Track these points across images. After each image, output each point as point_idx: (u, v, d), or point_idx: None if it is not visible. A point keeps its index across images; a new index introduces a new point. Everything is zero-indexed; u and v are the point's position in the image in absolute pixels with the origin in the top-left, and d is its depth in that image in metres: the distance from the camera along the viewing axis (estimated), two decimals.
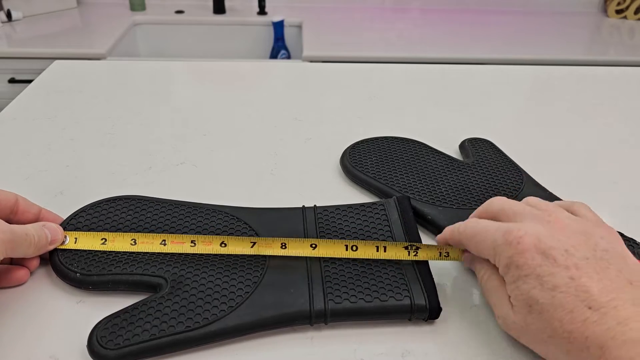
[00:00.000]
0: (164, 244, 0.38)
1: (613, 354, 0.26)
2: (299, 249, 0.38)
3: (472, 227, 0.35)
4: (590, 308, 0.28)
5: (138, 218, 0.42)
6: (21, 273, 0.37)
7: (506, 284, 0.32)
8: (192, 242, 0.38)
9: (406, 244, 0.38)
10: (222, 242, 0.38)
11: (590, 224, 0.33)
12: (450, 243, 0.38)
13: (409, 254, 0.38)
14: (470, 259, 0.37)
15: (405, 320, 0.36)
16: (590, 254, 0.30)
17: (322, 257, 0.38)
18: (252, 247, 0.38)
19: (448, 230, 0.38)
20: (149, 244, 0.38)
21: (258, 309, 0.34)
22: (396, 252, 0.38)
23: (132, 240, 0.38)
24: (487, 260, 0.35)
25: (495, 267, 0.34)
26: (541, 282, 0.30)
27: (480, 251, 0.34)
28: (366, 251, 0.38)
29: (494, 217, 0.36)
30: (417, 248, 0.38)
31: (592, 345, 0.27)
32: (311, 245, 0.38)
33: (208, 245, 0.38)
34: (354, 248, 0.38)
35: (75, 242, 0.38)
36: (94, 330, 0.32)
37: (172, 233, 0.40)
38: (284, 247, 0.38)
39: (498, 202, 0.36)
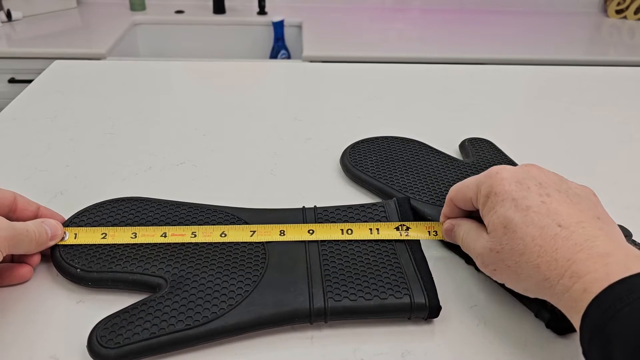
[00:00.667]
0: (165, 236, 0.39)
1: (579, 265, 0.29)
2: (297, 234, 0.40)
3: (458, 183, 0.38)
4: (560, 226, 0.31)
5: (140, 218, 0.42)
6: (24, 270, 0.37)
7: (484, 217, 0.35)
8: (192, 233, 0.39)
9: (397, 224, 0.40)
10: (222, 232, 0.39)
11: (569, 180, 0.35)
12: (447, 213, 0.40)
13: (400, 235, 0.40)
14: (449, 227, 0.39)
15: (405, 320, 0.36)
16: (562, 190, 0.33)
17: (323, 256, 0.38)
18: (251, 235, 0.39)
19: (447, 201, 0.40)
20: (149, 236, 0.39)
21: (258, 307, 0.34)
22: (388, 233, 0.40)
23: (132, 234, 0.39)
24: (466, 219, 0.38)
25: (473, 221, 0.37)
26: (516, 203, 0.32)
27: (465, 194, 0.37)
28: (360, 234, 0.40)
29: None
30: (408, 228, 0.40)
31: (560, 258, 0.29)
32: (309, 231, 0.40)
33: (208, 236, 0.39)
34: (349, 231, 0.40)
35: (75, 238, 0.39)
36: (94, 329, 0.32)
37: None
38: (282, 234, 0.39)
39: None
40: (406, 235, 0.40)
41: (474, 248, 0.35)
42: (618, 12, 1.79)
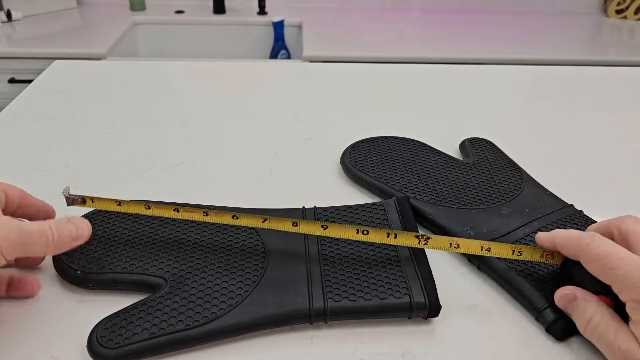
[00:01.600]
0: (177, 212, 0.39)
1: None
2: (310, 227, 0.38)
3: (603, 247, 0.31)
4: None
5: (139, 218, 0.42)
6: (32, 287, 0.37)
7: (632, 323, 0.30)
8: (204, 212, 0.38)
9: (417, 234, 0.37)
10: (234, 216, 0.38)
11: None
12: (560, 249, 0.35)
13: (419, 242, 0.37)
14: (570, 298, 0.33)
15: (405, 320, 0.36)
16: None
17: (322, 256, 0.38)
18: (263, 222, 0.38)
19: (560, 235, 0.34)
20: (162, 209, 0.39)
21: (258, 308, 0.34)
22: (407, 240, 0.37)
23: (145, 205, 0.39)
24: (594, 299, 0.32)
25: (605, 305, 0.32)
26: None
27: (610, 278, 0.31)
28: (377, 236, 0.37)
29: (624, 237, 0.33)
30: (428, 238, 0.37)
31: None
32: (322, 226, 0.38)
33: (220, 217, 0.38)
34: (365, 232, 0.37)
35: (92, 202, 0.39)
36: (94, 330, 0.32)
37: (178, 231, 0.40)
38: (295, 225, 0.38)
39: (633, 222, 0.33)
40: (425, 245, 0.37)
41: (615, 347, 0.30)
42: (618, 12, 1.79)
